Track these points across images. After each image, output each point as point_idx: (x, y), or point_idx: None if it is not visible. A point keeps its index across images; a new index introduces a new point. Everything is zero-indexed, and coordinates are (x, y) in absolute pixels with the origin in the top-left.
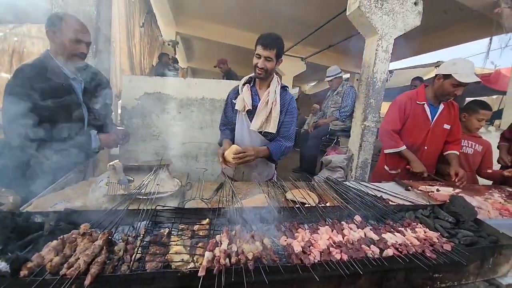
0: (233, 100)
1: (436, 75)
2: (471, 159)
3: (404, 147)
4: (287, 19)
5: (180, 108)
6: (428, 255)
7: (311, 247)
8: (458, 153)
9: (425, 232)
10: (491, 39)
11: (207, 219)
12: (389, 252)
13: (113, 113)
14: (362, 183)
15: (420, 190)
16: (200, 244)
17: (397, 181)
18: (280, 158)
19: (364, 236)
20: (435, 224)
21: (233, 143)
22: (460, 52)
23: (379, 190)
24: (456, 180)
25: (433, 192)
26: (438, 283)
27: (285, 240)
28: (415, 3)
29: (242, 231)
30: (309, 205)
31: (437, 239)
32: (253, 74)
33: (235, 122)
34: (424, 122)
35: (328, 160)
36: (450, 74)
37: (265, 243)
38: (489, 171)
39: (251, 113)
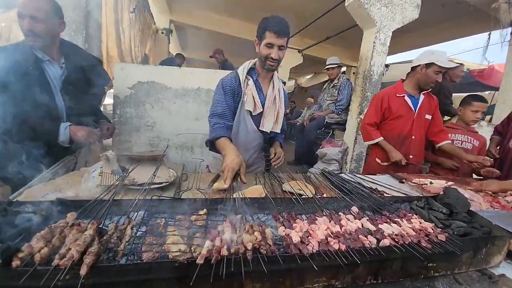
0: (243, 99)
1: (413, 67)
2: (470, 154)
3: (380, 138)
4: (285, 9)
5: (175, 98)
6: (424, 245)
7: (309, 237)
8: (451, 142)
9: (420, 223)
10: (489, 34)
11: (205, 210)
12: (386, 242)
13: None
14: (357, 175)
15: (414, 183)
16: (197, 234)
17: (391, 174)
18: None
19: (361, 227)
20: (429, 215)
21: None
22: (451, 48)
23: (374, 182)
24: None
25: (426, 184)
26: (432, 272)
27: (283, 231)
28: None
29: (242, 221)
30: (306, 196)
31: (432, 229)
32: (249, 63)
33: (234, 116)
34: (408, 112)
35: (323, 153)
36: (432, 63)
37: (266, 233)
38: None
39: (260, 114)
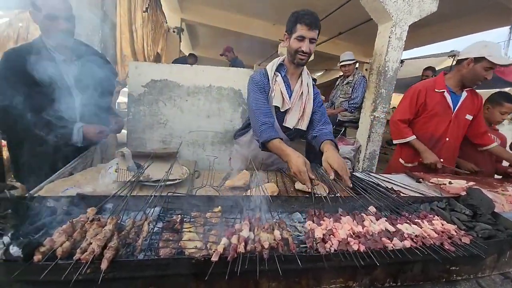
0: (272, 95)
1: (459, 60)
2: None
3: (412, 137)
4: (296, 5)
5: (187, 96)
6: (447, 247)
7: (331, 236)
8: (498, 143)
9: (442, 225)
10: (511, 28)
11: (219, 207)
12: (406, 244)
13: (116, 100)
14: (371, 174)
15: (432, 183)
16: (213, 232)
17: (407, 173)
18: None
19: (384, 229)
20: (451, 216)
21: (251, 140)
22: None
23: (389, 182)
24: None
25: (445, 184)
26: (455, 275)
27: (309, 225)
28: None
29: (260, 220)
30: (319, 195)
31: (455, 231)
32: (278, 60)
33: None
34: (445, 111)
35: None
36: (483, 57)
37: (284, 233)
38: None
39: (287, 110)
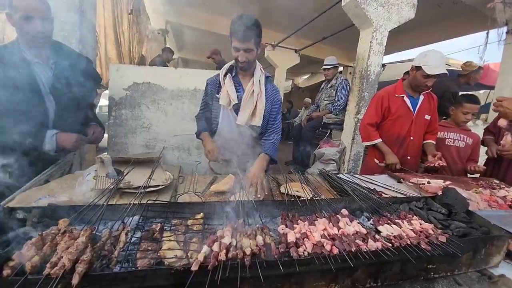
0: (217, 95)
1: (411, 66)
2: (463, 152)
3: (378, 140)
4: (281, 10)
5: (171, 99)
6: (423, 247)
7: (305, 239)
8: (434, 142)
9: (420, 224)
10: (487, 33)
11: (202, 214)
12: (378, 245)
13: (96, 105)
14: (355, 175)
15: (412, 183)
16: (194, 240)
17: (389, 174)
18: None
19: (359, 230)
20: (428, 215)
21: (213, 139)
22: (448, 47)
23: (372, 183)
24: (436, 159)
25: (424, 184)
26: (432, 273)
27: (283, 229)
28: None
29: (243, 226)
30: (304, 198)
31: (433, 230)
32: (233, 61)
33: (215, 115)
34: (406, 113)
35: (321, 153)
36: (421, 66)
37: (267, 239)
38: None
39: (236, 107)
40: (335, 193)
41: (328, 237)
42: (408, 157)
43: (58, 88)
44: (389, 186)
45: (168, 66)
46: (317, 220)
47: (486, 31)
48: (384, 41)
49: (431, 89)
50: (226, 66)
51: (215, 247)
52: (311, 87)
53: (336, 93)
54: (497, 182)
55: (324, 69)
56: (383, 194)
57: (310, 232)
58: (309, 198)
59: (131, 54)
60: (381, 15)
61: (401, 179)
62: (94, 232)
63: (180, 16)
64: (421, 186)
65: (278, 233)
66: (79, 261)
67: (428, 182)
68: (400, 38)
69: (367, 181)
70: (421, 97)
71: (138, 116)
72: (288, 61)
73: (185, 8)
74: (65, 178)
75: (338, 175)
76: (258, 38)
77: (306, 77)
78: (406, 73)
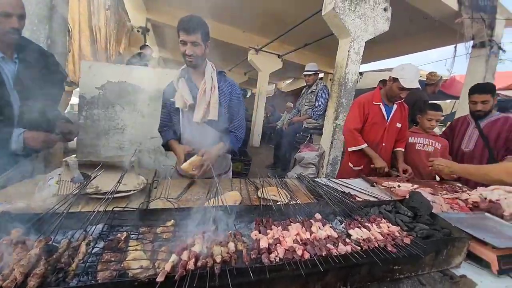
0: (171, 99)
1: (389, 77)
2: (433, 156)
3: (365, 145)
4: (265, 14)
5: (148, 100)
6: (389, 249)
7: (277, 244)
8: (403, 150)
9: (388, 227)
10: (455, 47)
11: (172, 221)
12: (348, 248)
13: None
14: (331, 179)
15: (384, 186)
16: (163, 248)
17: (363, 178)
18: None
19: (330, 234)
20: (396, 218)
21: (180, 142)
22: (420, 59)
23: (347, 186)
24: (407, 175)
25: (395, 187)
26: (397, 274)
27: (256, 235)
28: (385, 9)
29: (216, 232)
30: (281, 203)
31: (399, 233)
32: (185, 66)
33: (177, 122)
34: (381, 121)
35: (301, 157)
36: (397, 78)
37: (239, 245)
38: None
39: (193, 107)
40: (311, 197)
41: (301, 242)
42: None
43: (22, 84)
44: (363, 189)
45: (147, 66)
46: (290, 225)
47: (454, 45)
48: (361, 50)
49: (403, 99)
50: (179, 71)
51: (184, 256)
52: (293, 92)
53: (316, 98)
54: (460, 185)
55: (305, 75)
56: (356, 198)
57: (283, 237)
58: (285, 202)
59: (107, 52)
60: (358, 26)
61: (374, 183)
62: (50, 242)
63: (161, 14)
64: (392, 189)
65: (252, 239)
66: (31, 275)
67: (398, 186)
68: (375, 48)
69: (343, 185)
70: (395, 106)
71: (112, 116)
72: (271, 65)
73: (166, 6)
74: (24, 183)
75: (315, 179)
76: (206, 35)
77: (289, 81)
78: (381, 81)
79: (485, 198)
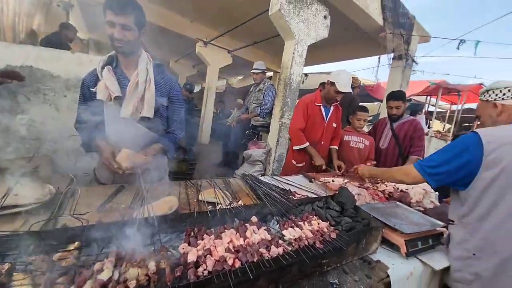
0: (92, 89)
1: (327, 81)
2: (363, 152)
3: (307, 144)
4: (215, 7)
5: (65, 90)
6: (318, 246)
7: (207, 256)
8: (337, 147)
9: (318, 224)
10: (379, 58)
11: (77, 243)
12: (280, 250)
13: None
14: (274, 177)
15: (320, 181)
16: (61, 279)
17: (303, 174)
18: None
19: (264, 237)
20: (326, 214)
21: (105, 141)
22: (356, 65)
23: (288, 183)
24: (341, 171)
25: (329, 182)
26: (325, 267)
27: (183, 249)
28: (325, 17)
29: (134, 251)
30: (219, 207)
31: (327, 228)
32: (113, 52)
33: (98, 116)
34: (321, 121)
35: (249, 154)
36: (334, 82)
37: (162, 263)
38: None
39: (121, 100)
40: (254, 196)
41: (233, 250)
42: None
43: None
44: (302, 186)
45: (70, 48)
46: (224, 231)
47: (379, 56)
48: (304, 53)
49: (339, 101)
50: (104, 57)
51: (88, 286)
52: (244, 89)
53: (263, 97)
54: None
55: (253, 73)
56: (296, 194)
57: (215, 246)
58: (223, 206)
59: (15, 28)
60: (302, 30)
61: (312, 179)
62: None
63: None
64: (327, 184)
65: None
66: None
67: (333, 181)
68: (317, 53)
69: (285, 182)
70: (332, 108)
71: (13, 109)
72: (220, 60)
73: None
74: None
75: (259, 178)
76: (140, 19)
77: (240, 78)
78: (321, 84)
79: (398, 189)
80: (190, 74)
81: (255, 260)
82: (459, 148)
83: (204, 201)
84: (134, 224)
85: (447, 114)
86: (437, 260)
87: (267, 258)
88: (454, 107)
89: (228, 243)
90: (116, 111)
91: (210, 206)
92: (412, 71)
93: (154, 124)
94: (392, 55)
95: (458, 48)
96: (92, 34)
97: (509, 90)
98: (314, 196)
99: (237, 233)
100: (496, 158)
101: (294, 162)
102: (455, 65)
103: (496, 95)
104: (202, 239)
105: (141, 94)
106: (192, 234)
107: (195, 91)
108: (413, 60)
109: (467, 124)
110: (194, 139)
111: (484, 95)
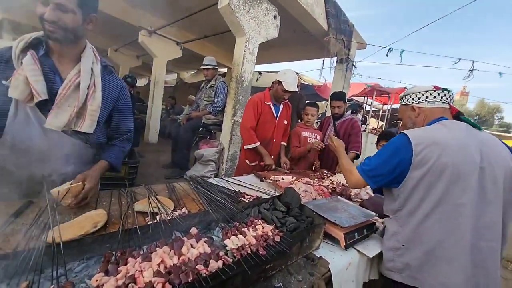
0: (3, 81)
1: (275, 80)
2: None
3: (258, 143)
4: None
5: None
6: (261, 253)
7: (130, 284)
8: (286, 144)
9: (263, 228)
10: (323, 60)
11: None
12: (219, 264)
13: None
14: (224, 178)
15: (271, 180)
16: None
17: (254, 173)
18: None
19: (203, 251)
20: (272, 216)
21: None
22: (307, 66)
23: (239, 184)
24: (286, 167)
25: (279, 180)
26: (270, 272)
27: (97, 280)
28: (275, 17)
29: None
30: (162, 216)
31: (272, 232)
32: (41, 33)
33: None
34: (271, 119)
35: (200, 154)
36: (281, 81)
37: None
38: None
39: (45, 103)
40: (201, 202)
41: (164, 272)
42: (272, 156)
43: None
44: (253, 185)
45: None
46: (156, 250)
47: (323, 59)
48: (255, 51)
49: (287, 100)
50: (27, 36)
51: None
52: (197, 84)
53: (215, 94)
54: (326, 172)
55: (204, 69)
56: (245, 196)
57: (141, 271)
58: (165, 216)
59: None
60: (253, 27)
61: (263, 178)
62: None
63: None
64: (277, 182)
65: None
66: None
67: (282, 179)
68: (269, 52)
69: (235, 183)
70: (281, 106)
71: None
72: (169, 52)
73: None
74: None
75: (206, 181)
76: (88, 2)
77: (193, 72)
78: (273, 82)
79: (340, 183)
80: (133, 65)
81: (189, 280)
82: (391, 151)
83: (135, 213)
84: (30, 254)
85: (380, 113)
86: (371, 249)
87: (204, 275)
88: (385, 107)
89: (159, 264)
90: (35, 116)
91: (147, 218)
92: (352, 74)
93: (92, 138)
94: (335, 58)
95: (387, 55)
96: (7, 13)
97: (423, 95)
98: (264, 196)
99: (171, 251)
100: (423, 158)
101: (247, 161)
102: (385, 69)
103: (413, 99)
104: (126, 264)
105: (81, 103)
106: (113, 258)
107: (141, 84)
108: (353, 64)
109: (395, 121)
110: (137, 138)
111: (403, 100)
